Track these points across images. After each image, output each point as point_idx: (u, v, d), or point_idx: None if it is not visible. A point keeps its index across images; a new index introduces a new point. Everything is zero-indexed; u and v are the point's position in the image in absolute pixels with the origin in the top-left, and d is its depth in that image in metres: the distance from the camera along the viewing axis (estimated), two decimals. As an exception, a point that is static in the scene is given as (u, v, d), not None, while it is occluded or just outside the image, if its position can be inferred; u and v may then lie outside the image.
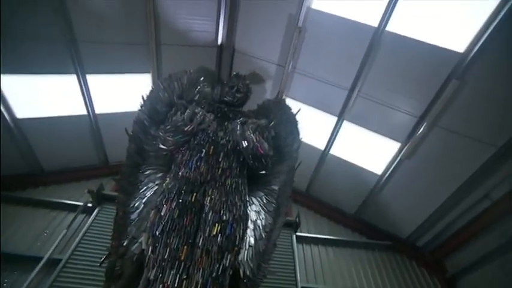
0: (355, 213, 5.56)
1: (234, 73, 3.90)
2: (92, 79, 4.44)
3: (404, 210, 4.99)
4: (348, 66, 4.31)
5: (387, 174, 4.76)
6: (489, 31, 3.25)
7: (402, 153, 4.42)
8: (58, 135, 4.72)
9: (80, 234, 3.97)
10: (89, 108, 4.67)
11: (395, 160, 4.58)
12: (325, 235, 5.23)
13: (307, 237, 5.05)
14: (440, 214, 4.59)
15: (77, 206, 4.47)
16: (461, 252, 4.56)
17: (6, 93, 4.04)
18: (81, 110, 4.65)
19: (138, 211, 2.68)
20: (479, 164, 3.95)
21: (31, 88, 4.16)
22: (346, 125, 4.77)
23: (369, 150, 4.83)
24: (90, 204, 4.39)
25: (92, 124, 4.86)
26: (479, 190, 4.10)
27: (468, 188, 4.17)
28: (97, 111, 4.78)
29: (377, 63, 4.07)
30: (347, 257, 4.97)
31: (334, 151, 5.14)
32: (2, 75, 3.87)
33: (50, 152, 4.87)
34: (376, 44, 3.94)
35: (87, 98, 4.55)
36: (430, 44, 3.64)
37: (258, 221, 2.77)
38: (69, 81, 4.31)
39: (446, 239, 4.71)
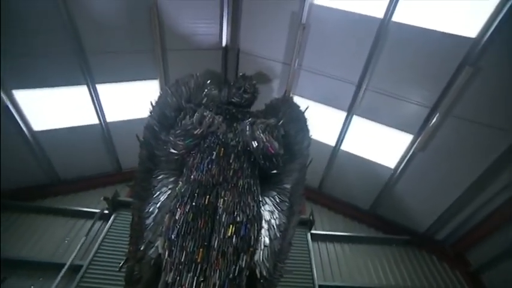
0: (369, 208, 5.47)
1: (240, 74, 3.91)
2: (102, 88, 4.55)
3: (420, 203, 4.87)
4: (354, 60, 4.24)
5: (401, 168, 4.66)
6: (502, 14, 3.13)
7: (415, 145, 4.32)
8: (73, 145, 4.86)
9: (99, 241, 4.06)
10: (100, 117, 4.79)
11: (408, 153, 4.48)
12: (341, 232, 5.18)
13: (322, 234, 5.00)
14: (459, 206, 4.46)
15: (94, 213, 4.59)
16: (483, 245, 4.42)
17: (23, 107, 4.21)
18: (93, 119, 4.77)
19: (153, 216, 2.71)
20: (498, 153, 3.80)
21: (46, 101, 4.31)
22: (356, 120, 4.70)
23: (381, 144, 4.74)
24: (106, 211, 4.50)
25: (104, 132, 4.97)
26: (500, 180, 3.96)
27: (487, 178, 4.03)
28: (108, 120, 4.89)
29: (384, 55, 3.99)
30: (364, 253, 4.90)
31: (345, 147, 5.07)
32: (17, 91, 4.05)
33: (66, 161, 5.03)
34: (383, 36, 3.86)
35: (98, 107, 4.66)
36: (439, 32, 3.53)
37: (272, 221, 2.76)
38: (80, 92, 4.43)
39: (467, 231, 4.57)
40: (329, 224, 5.42)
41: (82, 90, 4.43)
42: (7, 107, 4.01)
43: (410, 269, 4.73)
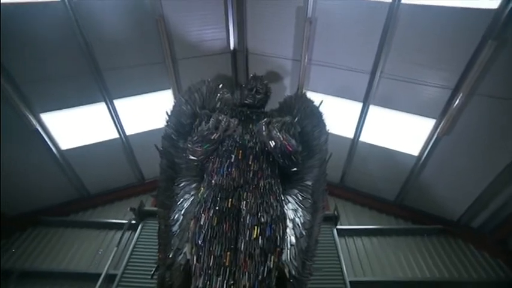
0: (395, 199, 5.30)
1: (251, 75, 3.90)
2: (119, 104, 4.72)
3: (450, 190, 4.64)
4: (366, 49, 4.12)
5: (425, 155, 4.47)
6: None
7: (438, 130, 4.12)
8: (98, 161, 5.08)
9: (129, 250, 4.21)
10: (120, 131, 4.96)
11: (431, 138, 4.29)
12: (367, 225, 5.04)
13: (348, 229, 4.90)
14: (495, 190, 4.19)
15: (123, 223, 4.76)
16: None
17: (51, 128, 4.47)
18: (113, 134, 4.95)
19: (178, 223, 2.77)
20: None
21: (69, 121, 4.54)
22: (373, 110, 4.57)
23: (402, 132, 4.57)
24: (133, 221, 4.65)
25: (125, 146, 5.15)
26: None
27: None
28: (128, 133, 5.06)
29: (397, 40, 3.85)
30: (394, 245, 4.74)
31: (364, 138, 4.94)
32: (44, 114, 4.32)
33: (93, 176, 5.26)
34: (393, 20, 3.72)
35: (117, 122, 4.84)
36: (454, 8, 3.34)
37: (297, 219, 2.74)
38: (99, 109, 4.62)
39: (507, 217, 4.23)
40: (355, 218, 5.29)
41: (101, 107, 4.61)
42: (37, 130, 4.26)
43: (446, 259, 4.50)
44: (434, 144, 4.31)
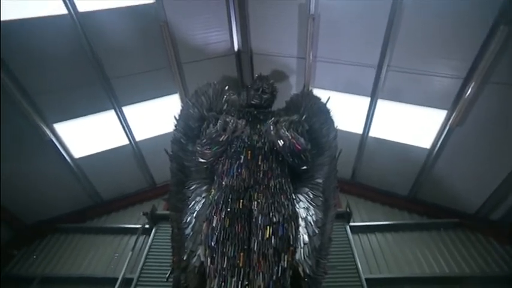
0: (409, 193, 5.20)
1: (256, 75, 3.90)
2: (128, 110, 4.80)
3: (465, 182, 4.52)
4: (371, 42, 4.06)
5: (437, 147, 4.37)
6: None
7: (451, 121, 4.03)
8: (109, 167, 5.18)
9: (144, 254, 4.26)
10: (130, 137, 5.05)
11: (444, 130, 4.19)
12: (381, 221, 4.95)
13: (361, 226, 4.84)
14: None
15: (137, 228, 4.83)
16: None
17: (64, 138, 4.59)
18: (123, 140, 5.04)
19: (191, 225, 2.79)
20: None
21: (81, 130, 4.65)
22: (381, 104, 4.50)
23: (412, 125, 4.49)
24: (147, 226, 4.71)
25: (135, 151, 5.23)
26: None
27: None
28: (137, 139, 5.14)
29: (403, 31, 3.77)
30: (409, 241, 4.65)
31: (374, 133, 4.87)
32: (57, 124, 4.45)
33: (106, 183, 5.37)
34: (398, 11, 3.65)
35: (126, 129, 4.92)
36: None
37: (309, 217, 2.71)
38: (108, 117, 4.72)
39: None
40: (367, 215, 5.22)
41: (110, 115, 4.70)
42: (51, 140, 4.38)
43: (465, 254, 4.37)
44: (446, 136, 4.21)
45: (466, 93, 3.72)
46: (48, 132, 4.32)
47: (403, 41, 3.85)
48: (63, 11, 3.70)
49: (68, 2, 3.65)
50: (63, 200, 5.15)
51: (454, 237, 4.65)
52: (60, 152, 4.58)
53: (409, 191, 5.17)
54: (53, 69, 4.00)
